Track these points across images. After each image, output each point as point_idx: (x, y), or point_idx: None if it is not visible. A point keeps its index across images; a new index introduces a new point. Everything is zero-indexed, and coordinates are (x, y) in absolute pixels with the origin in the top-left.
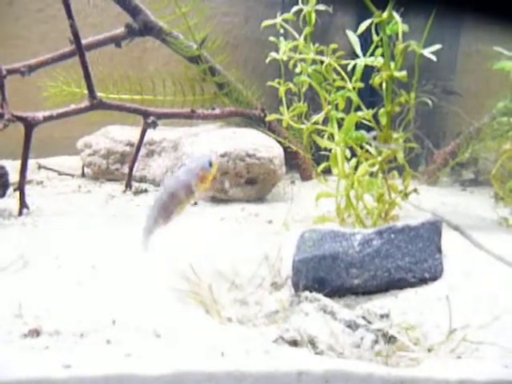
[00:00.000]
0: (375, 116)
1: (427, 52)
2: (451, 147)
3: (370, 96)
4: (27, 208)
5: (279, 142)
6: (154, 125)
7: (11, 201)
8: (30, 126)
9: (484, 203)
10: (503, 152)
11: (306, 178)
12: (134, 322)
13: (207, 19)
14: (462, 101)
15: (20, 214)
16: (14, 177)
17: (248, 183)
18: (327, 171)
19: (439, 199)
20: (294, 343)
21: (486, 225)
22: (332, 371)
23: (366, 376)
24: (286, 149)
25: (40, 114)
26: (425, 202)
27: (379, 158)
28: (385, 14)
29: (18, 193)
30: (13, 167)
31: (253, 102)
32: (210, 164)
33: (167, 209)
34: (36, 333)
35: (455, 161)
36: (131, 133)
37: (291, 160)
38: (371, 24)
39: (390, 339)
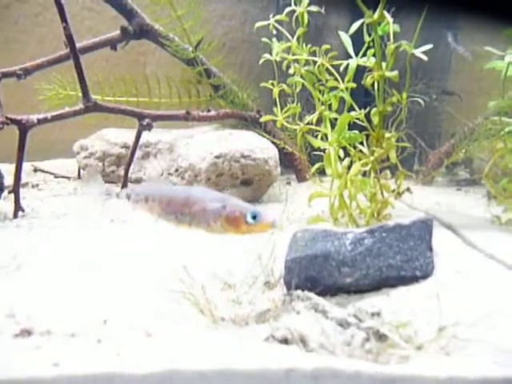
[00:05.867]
0: (368, 116)
1: (418, 52)
2: (446, 147)
3: (364, 96)
4: (22, 210)
5: (275, 144)
6: (149, 127)
7: (7, 203)
8: (24, 128)
9: (478, 202)
10: (496, 151)
11: (301, 178)
12: (126, 321)
13: (203, 22)
14: (457, 101)
15: (15, 216)
16: (10, 180)
17: (243, 184)
18: (323, 172)
19: (434, 198)
20: (284, 341)
21: (479, 223)
22: (321, 369)
23: (354, 374)
24: (282, 150)
25: (34, 117)
26: (419, 201)
27: (371, 158)
28: (376, 15)
29: (13, 195)
30: (10, 170)
31: (248, 103)
32: (255, 217)
33: (168, 205)
34: (27, 333)
35: (450, 160)
36: (127, 135)
37: (287, 161)
38: (365, 25)
39: (381, 337)
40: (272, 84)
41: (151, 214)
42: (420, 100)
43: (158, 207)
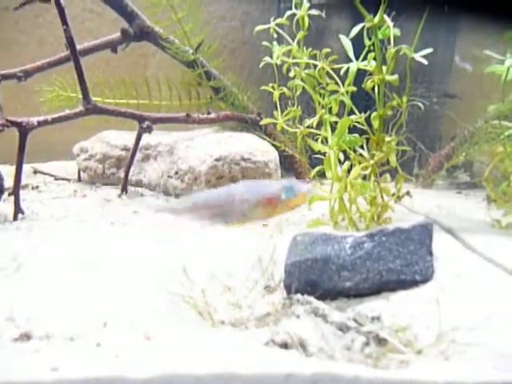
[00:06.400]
0: (368, 119)
1: (418, 56)
2: (446, 150)
3: (364, 100)
4: (22, 213)
5: (275, 146)
6: (149, 129)
7: (6, 206)
8: (24, 130)
9: (478, 206)
10: (495, 155)
11: None
12: (126, 324)
13: (204, 24)
14: (457, 104)
15: (15, 218)
16: (10, 182)
17: None
18: (323, 174)
19: (434, 202)
20: (284, 346)
21: (479, 227)
22: (320, 374)
23: (353, 378)
24: (282, 153)
25: (34, 119)
26: (420, 204)
27: (371, 162)
28: (376, 19)
29: (13, 197)
30: (10, 172)
31: (249, 106)
32: (289, 191)
33: (204, 206)
34: (27, 337)
35: (450, 164)
36: (127, 137)
37: (288, 164)
38: (365, 28)
39: (381, 341)
40: (272, 87)
41: (203, 220)
42: (420, 104)
43: (205, 213)
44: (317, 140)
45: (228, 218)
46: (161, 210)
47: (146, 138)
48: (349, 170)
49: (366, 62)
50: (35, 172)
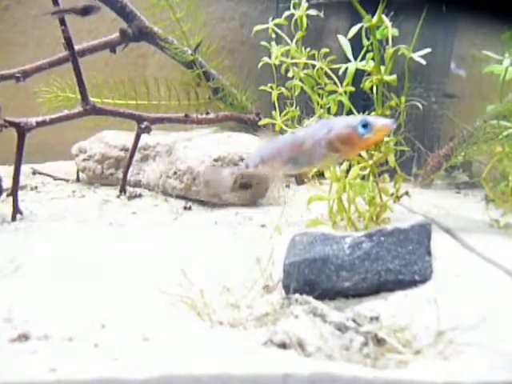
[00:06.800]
0: None
1: (416, 56)
2: (445, 150)
3: (363, 100)
4: (20, 213)
5: None
6: (148, 130)
7: (5, 206)
8: (22, 131)
9: (477, 206)
10: (494, 154)
11: (300, 181)
12: (124, 325)
13: (202, 24)
14: (456, 104)
15: (13, 219)
16: (8, 182)
17: (242, 187)
18: (322, 175)
19: (433, 202)
20: (283, 346)
21: (478, 227)
22: (318, 374)
23: (351, 378)
24: None
25: (33, 120)
26: (418, 204)
27: (370, 162)
28: (374, 19)
29: (11, 198)
30: (8, 173)
31: (247, 106)
32: (366, 125)
33: (276, 156)
34: (25, 337)
35: (449, 164)
36: (126, 138)
37: None
38: (364, 28)
39: (380, 341)
40: (271, 87)
41: (277, 172)
42: (418, 104)
43: (277, 164)
44: None
45: (300, 165)
46: (235, 172)
47: (145, 139)
48: (347, 171)
49: (364, 62)
50: (34, 172)
